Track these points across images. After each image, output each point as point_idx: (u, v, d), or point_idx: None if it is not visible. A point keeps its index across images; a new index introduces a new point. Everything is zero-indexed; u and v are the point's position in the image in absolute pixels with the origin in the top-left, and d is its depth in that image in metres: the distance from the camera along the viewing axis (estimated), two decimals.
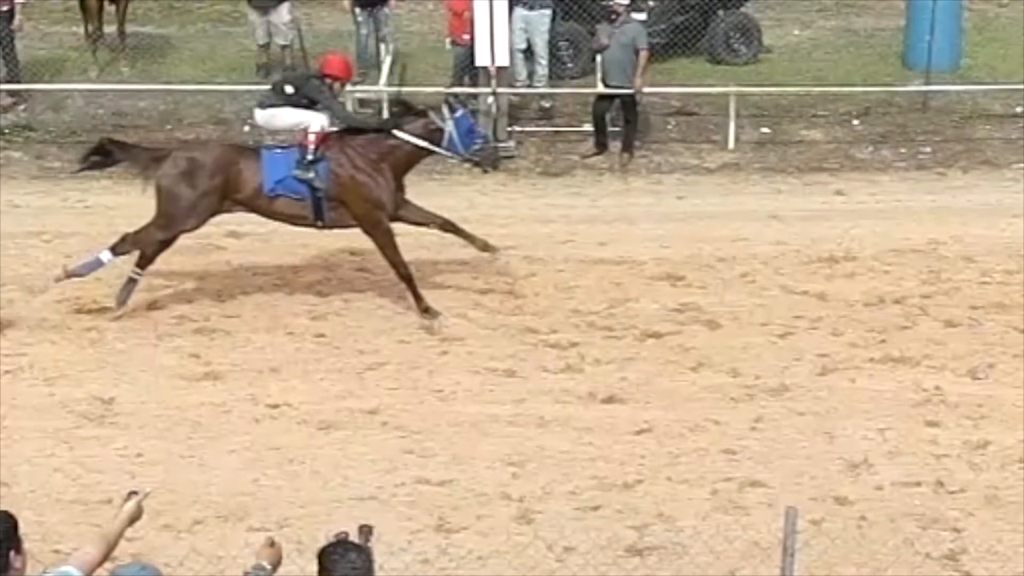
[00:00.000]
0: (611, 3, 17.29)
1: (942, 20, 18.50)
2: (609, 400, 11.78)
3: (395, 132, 13.12)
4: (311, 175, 12.87)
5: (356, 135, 13.20)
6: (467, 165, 13.94)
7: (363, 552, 6.24)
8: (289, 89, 13.29)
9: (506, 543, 9.61)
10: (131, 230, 13.06)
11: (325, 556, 6.17)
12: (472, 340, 12.75)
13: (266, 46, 18.92)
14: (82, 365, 12.27)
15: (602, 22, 17.61)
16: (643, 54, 17.26)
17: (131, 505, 6.49)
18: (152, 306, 13.25)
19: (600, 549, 9.66)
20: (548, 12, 18.36)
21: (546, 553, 9.56)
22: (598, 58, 17.93)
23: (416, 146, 13.11)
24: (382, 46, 18.73)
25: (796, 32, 20.98)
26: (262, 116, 13.46)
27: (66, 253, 14.22)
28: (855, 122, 18.39)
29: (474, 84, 18.06)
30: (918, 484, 10.54)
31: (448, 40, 18.66)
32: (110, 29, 19.28)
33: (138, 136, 17.85)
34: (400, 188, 13.21)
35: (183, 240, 13.40)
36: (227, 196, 12.96)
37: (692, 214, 15.77)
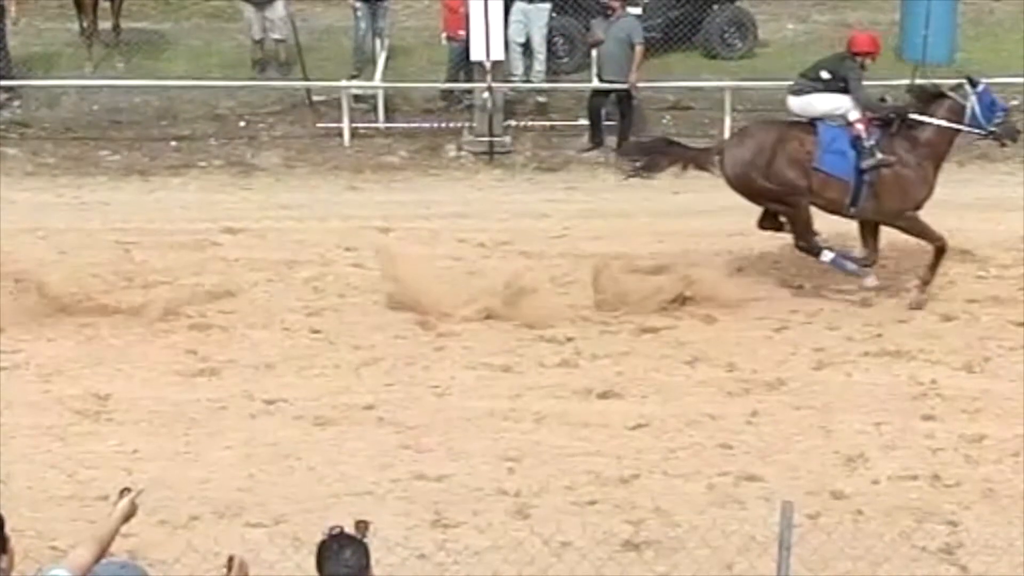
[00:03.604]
0: None
1: (937, 14, 18.51)
2: (605, 395, 11.77)
3: (915, 116, 13.06)
4: (875, 159, 12.84)
5: (899, 126, 13.10)
6: (987, 141, 13.81)
7: (359, 547, 6.23)
8: (825, 75, 13.19)
9: (502, 538, 9.61)
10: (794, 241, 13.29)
11: (321, 552, 6.16)
12: (468, 335, 12.74)
13: (261, 42, 18.91)
14: (78, 361, 12.25)
15: (597, 17, 17.60)
16: (638, 49, 17.26)
17: (124, 503, 6.47)
18: (147, 302, 13.22)
19: (596, 544, 9.65)
20: (547, 6, 18.34)
21: (542, 548, 9.55)
22: (593, 53, 17.93)
23: (942, 128, 13.05)
24: (377, 41, 18.72)
25: (791, 26, 20.98)
26: (798, 104, 13.32)
27: (61, 249, 14.24)
28: None
29: (469, 79, 18.06)
30: (914, 478, 10.54)
31: (444, 36, 18.66)
32: (105, 25, 19.27)
33: (133, 133, 17.91)
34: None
35: (178, 236, 13.38)
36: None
37: (688, 209, 15.74)
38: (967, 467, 10.70)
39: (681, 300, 13.14)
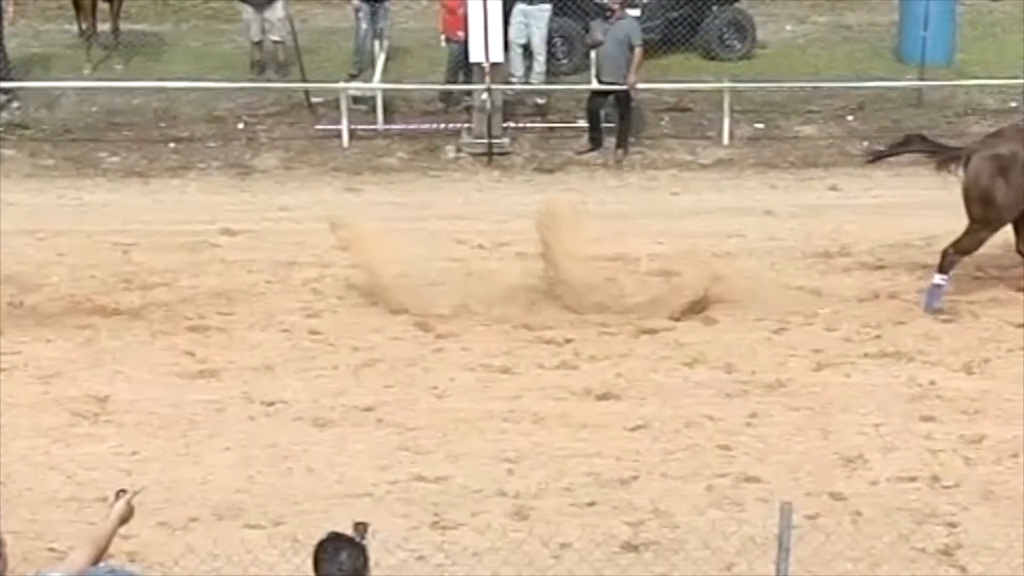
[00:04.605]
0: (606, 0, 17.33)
1: (936, 15, 18.51)
2: (604, 396, 11.77)
3: None
4: None
5: None
6: None
7: (356, 550, 6.23)
8: None
9: (501, 539, 9.61)
10: (949, 246, 13.06)
11: (317, 554, 6.16)
12: (467, 336, 12.74)
13: (260, 43, 18.92)
14: (77, 363, 12.25)
15: (596, 18, 17.61)
16: (637, 50, 17.26)
17: (120, 505, 6.46)
18: (146, 304, 13.23)
19: (596, 545, 9.65)
20: (547, 7, 18.34)
21: (541, 549, 9.55)
22: (592, 54, 17.93)
23: None
24: (377, 42, 18.72)
25: (790, 28, 20.99)
26: None
27: (60, 251, 14.23)
28: (849, 117, 18.39)
29: (468, 81, 18.07)
30: (913, 479, 10.54)
31: (442, 37, 18.67)
32: (104, 27, 19.29)
33: (132, 134, 17.91)
34: None
35: (177, 237, 13.33)
36: None
37: (686, 210, 15.76)
38: (966, 468, 10.70)
39: (704, 303, 13.08)
